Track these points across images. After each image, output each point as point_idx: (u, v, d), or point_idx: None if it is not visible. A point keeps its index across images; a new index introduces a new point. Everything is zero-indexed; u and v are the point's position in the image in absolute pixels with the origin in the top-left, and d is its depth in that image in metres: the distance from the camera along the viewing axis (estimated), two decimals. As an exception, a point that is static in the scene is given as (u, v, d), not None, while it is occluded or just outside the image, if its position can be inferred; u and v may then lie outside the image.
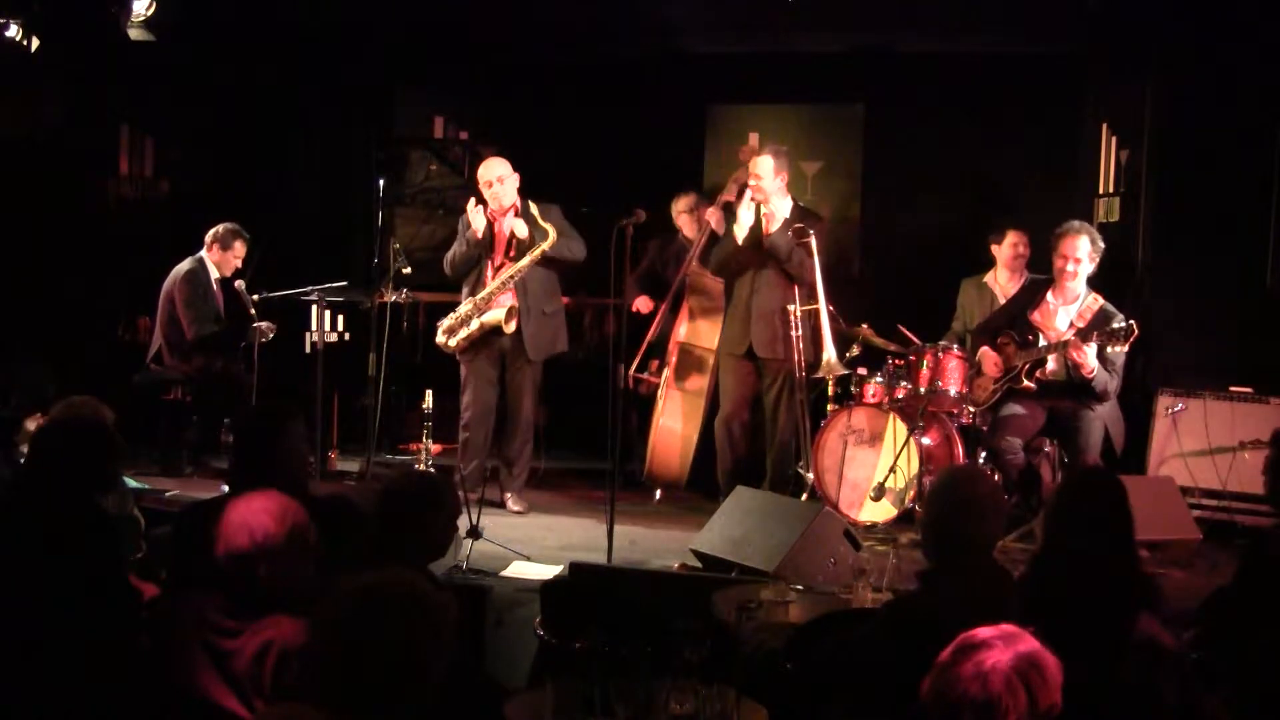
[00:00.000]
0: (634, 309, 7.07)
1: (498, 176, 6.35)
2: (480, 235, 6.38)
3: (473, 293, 6.46)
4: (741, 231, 6.27)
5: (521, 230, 6.31)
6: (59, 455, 3.63)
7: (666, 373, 7.00)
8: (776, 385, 6.32)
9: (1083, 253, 5.79)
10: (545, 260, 6.36)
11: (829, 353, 6.18)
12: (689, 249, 7.12)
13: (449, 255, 6.57)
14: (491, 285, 6.38)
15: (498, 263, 6.45)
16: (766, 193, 6.24)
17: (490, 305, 6.38)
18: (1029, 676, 2.12)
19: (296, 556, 2.89)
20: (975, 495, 3.27)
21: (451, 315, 6.48)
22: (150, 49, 7.19)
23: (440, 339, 6.50)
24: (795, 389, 6.26)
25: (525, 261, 6.31)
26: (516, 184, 6.40)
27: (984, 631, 2.17)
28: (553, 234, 6.29)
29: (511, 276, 6.34)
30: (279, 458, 3.79)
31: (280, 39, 8.15)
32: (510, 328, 6.35)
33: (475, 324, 6.39)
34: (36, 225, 7.71)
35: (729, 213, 6.62)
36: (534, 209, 6.37)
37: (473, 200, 6.47)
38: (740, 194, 6.68)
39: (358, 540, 3.47)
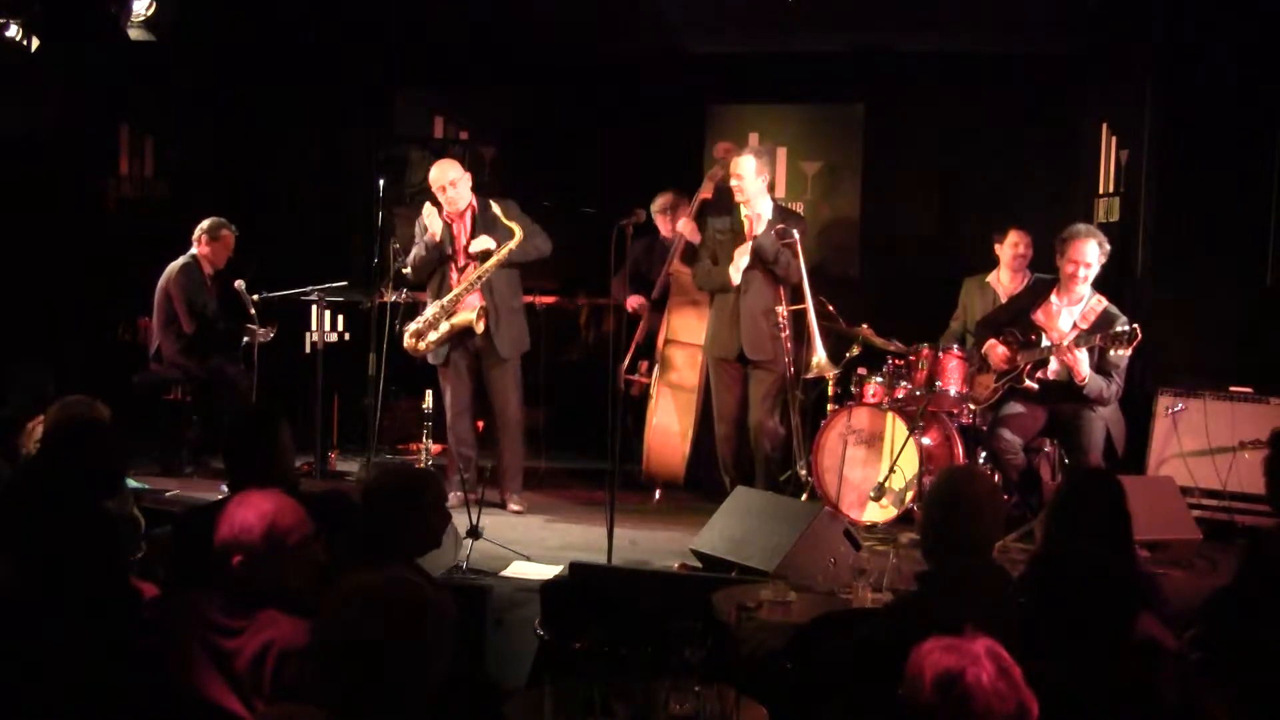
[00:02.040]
0: (629, 308, 7.06)
1: (450, 180, 6.33)
2: (439, 238, 6.37)
3: (438, 295, 6.44)
4: (737, 275, 6.22)
5: (487, 244, 6.29)
6: (65, 456, 3.64)
7: (656, 371, 7.00)
8: (766, 387, 6.30)
9: (1092, 257, 5.78)
10: (511, 260, 6.34)
11: (819, 354, 6.16)
12: (669, 248, 7.11)
13: (409, 259, 6.54)
14: (459, 288, 6.35)
15: (461, 264, 6.43)
16: (749, 193, 6.21)
17: (458, 307, 6.36)
18: (1004, 667, 2.15)
19: (272, 554, 2.88)
20: (975, 495, 3.27)
21: (419, 319, 6.46)
22: (150, 49, 7.19)
23: (408, 342, 6.48)
24: (786, 390, 6.26)
25: (492, 262, 6.29)
26: (469, 184, 6.39)
27: (941, 659, 2.18)
28: (519, 233, 6.26)
29: (480, 278, 6.32)
30: (268, 459, 3.82)
31: (280, 39, 8.15)
32: (480, 328, 6.34)
33: (444, 326, 6.37)
34: (36, 225, 7.71)
35: (705, 217, 6.60)
36: (496, 208, 6.35)
37: (427, 204, 6.45)
38: (716, 191, 6.71)
39: (353, 536, 3.48)
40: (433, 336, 6.41)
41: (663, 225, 7.26)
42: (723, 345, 6.39)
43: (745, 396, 6.39)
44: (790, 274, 6.18)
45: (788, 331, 6.18)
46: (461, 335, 6.41)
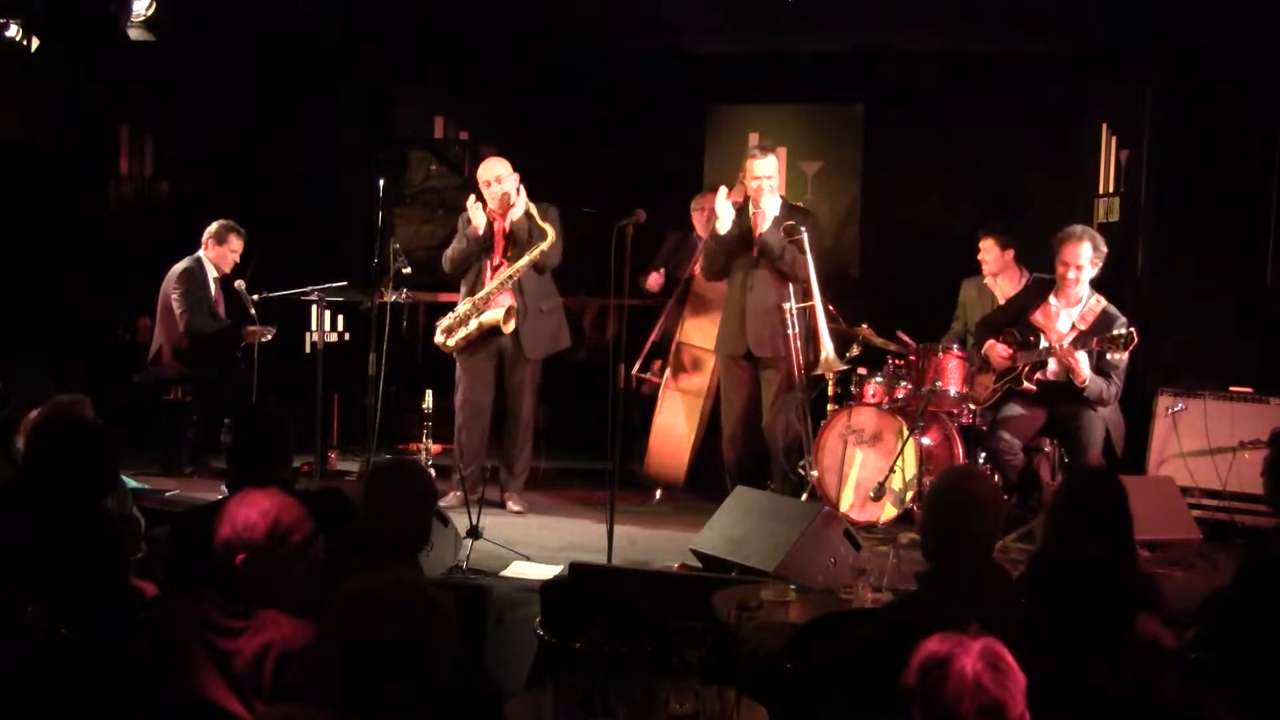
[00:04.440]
0: (647, 285, 7.09)
1: (496, 176, 6.36)
2: (480, 233, 6.38)
3: (471, 292, 6.47)
4: (725, 225, 6.22)
5: (516, 212, 6.30)
6: (50, 456, 3.64)
7: (667, 373, 7.00)
8: (774, 385, 6.31)
9: (1084, 259, 5.79)
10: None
11: (827, 350, 6.17)
12: (699, 248, 7.11)
13: (448, 253, 6.57)
14: (490, 285, 6.38)
15: (496, 262, 6.45)
16: (771, 190, 6.24)
17: (489, 305, 6.39)
18: (998, 666, 2.14)
19: (275, 551, 2.88)
20: (975, 495, 3.26)
21: (450, 315, 6.48)
22: (150, 49, 7.19)
23: (439, 339, 6.51)
24: (794, 387, 6.26)
25: (524, 261, 6.32)
26: (516, 183, 6.41)
27: (933, 646, 2.18)
28: (552, 234, 6.30)
29: (510, 276, 6.35)
30: (274, 459, 3.84)
31: (280, 39, 8.15)
32: (509, 327, 6.36)
33: (474, 324, 6.40)
34: (36, 225, 7.70)
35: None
36: (533, 209, 6.37)
37: (472, 197, 6.47)
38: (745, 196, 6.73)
39: (351, 535, 3.48)
40: (463, 333, 6.42)
41: (698, 223, 7.26)
42: (730, 342, 6.41)
43: (753, 397, 6.41)
44: (797, 270, 6.19)
45: (796, 329, 6.18)
46: (487, 335, 6.42)
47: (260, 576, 2.87)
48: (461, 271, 6.53)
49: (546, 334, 6.54)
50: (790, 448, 6.35)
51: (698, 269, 6.96)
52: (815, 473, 6.27)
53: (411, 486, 3.47)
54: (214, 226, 7.21)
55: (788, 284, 6.23)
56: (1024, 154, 8.01)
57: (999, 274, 6.92)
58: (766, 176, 6.23)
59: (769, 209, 6.24)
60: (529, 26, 8.08)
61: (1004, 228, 7.02)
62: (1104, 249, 5.86)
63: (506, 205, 6.34)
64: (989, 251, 6.92)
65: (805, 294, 6.22)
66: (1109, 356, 5.66)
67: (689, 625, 3.22)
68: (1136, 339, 5.54)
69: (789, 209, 6.36)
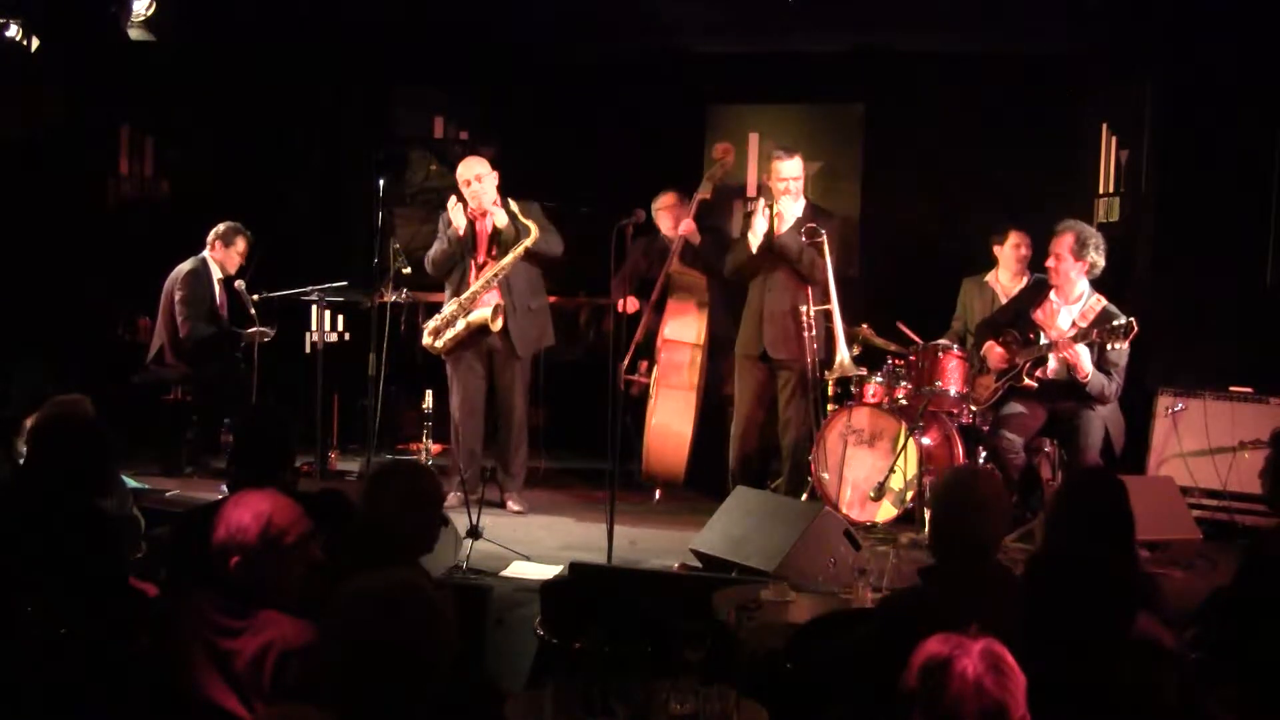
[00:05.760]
0: (619, 308, 7.06)
1: (475, 175, 6.36)
2: (462, 234, 6.38)
3: (456, 293, 6.46)
4: (756, 239, 6.27)
5: (502, 219, 6.31)
6: (54, 457, 3.63)
7: (655, 372, 7.00)
8: (790, 386, 6.33)
9: (1063, 248, 5.80)
10: (527, 256, 6.37)
11: (842, 353, 6.20)
12: (670, 247, 7.11)
13: (429, 254, 6.56)
14: (476, 284, 6.38)
15: (480, 261, 6.45)
16: (798, 192, 6.28)
17: (475, 304, 6.38)
18: (999, 668, 2.14)
19: (268, 553, 2.88)
20: (979, 496, 3.26)
21: (437, 317, 6.48)
22: (150, 49, 7.19)
23: (426, 340, 6.51)
24: (808, 389, 6.27)
25: (509, 259, 6.32)
26: (495, 182, 6.40)
27: (934, 647, 2.17)
28: (535, 230, 6.30)
29: (496, 275, 6.35)
30: (278, 460, 3.85)
31: (280, 39, 8.15)
32: (497, 325, 6.36)
33: (461, 324, 6.40)
34: (36, 225, 7.70)
35: (720, 214, 6.62)
36: (514, 206, 6.38)
37: (453, 198, 6.46)
38: (713, 192, 6.80)
39: (351, 536, 3.48)
40: (451, 334, 6.42)
41: (663, 224, 7.26)
42: (746, 342, 6.45)
43: (764, 397, 6.44)
44: (815, 273, 6.22)
45: (814, 331, 6.19)
46: (476, 333, 6.41)
47: (255, 578, 2.87)
48: (445, 272, 6.53)
49: (535, 331, 6.55)
50: (802, 448, 6.36)
51: (673, 269, 6.95)
52: (826, 475, 6.25)
53: (415, 489, 3.46)
54: (221, 228, 7.23)
55: (806, 287, 6.26)
56: (1024, 154, 8.01)
57: (1018, 273, 6.90)
58: (794, 178, 6.29)
59: (790, 212, 6.26)
60: (529, 26, 8.07)
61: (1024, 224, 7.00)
62: (1093, 242, 5.80)
63: (485, 207, 6.34)
64: (1024, 246, 6.82)
65: (823, 297, 6.24)
66: (1110, 348, 5.65)
67: (689, 625, 3.22)
68: (1136, 328, 5.53)
69: (812, 210, 6.39)
